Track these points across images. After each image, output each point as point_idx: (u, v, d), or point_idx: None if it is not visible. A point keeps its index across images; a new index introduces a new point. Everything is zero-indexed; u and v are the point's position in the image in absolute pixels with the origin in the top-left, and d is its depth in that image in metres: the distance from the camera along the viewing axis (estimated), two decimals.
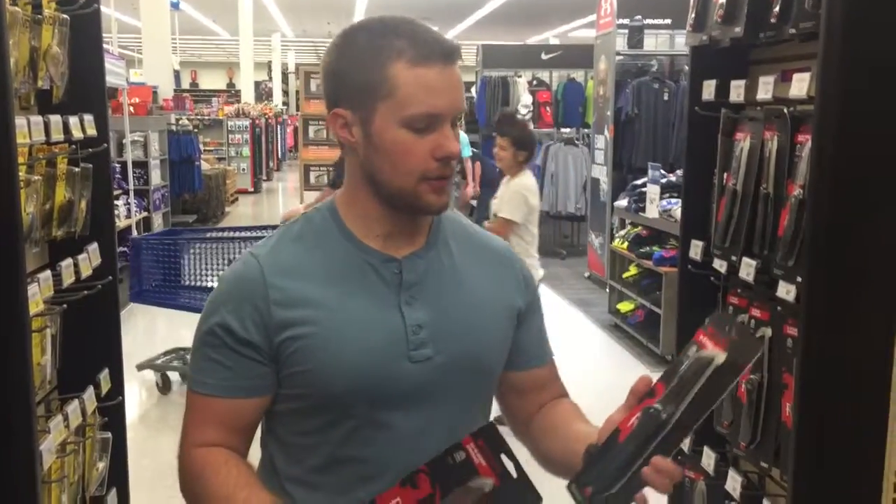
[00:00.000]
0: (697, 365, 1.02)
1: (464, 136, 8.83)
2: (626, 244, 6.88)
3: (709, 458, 1.96)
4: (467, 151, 8.79)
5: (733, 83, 1.86)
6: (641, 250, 6.55)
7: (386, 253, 1.16)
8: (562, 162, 9.90)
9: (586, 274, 8.88)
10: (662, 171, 6.69)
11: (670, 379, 1.04)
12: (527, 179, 4.56)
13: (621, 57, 8.27)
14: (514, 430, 1.33)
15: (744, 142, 1.84)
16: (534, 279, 1.28)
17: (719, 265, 1.88)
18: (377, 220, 1.16)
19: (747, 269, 1.76)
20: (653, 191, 6.54)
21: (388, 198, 1.14)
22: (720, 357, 1.01)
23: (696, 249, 1.99)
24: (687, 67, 7.76)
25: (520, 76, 10.96)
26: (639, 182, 7.00)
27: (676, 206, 6.16)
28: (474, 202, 9.52)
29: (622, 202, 7.33)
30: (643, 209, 6.71)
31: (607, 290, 7.47)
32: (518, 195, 4.46)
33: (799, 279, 1.59)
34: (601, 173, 8.46)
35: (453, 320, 1.17)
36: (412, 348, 1.13)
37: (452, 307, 1.17)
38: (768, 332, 1.78)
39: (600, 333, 6.88)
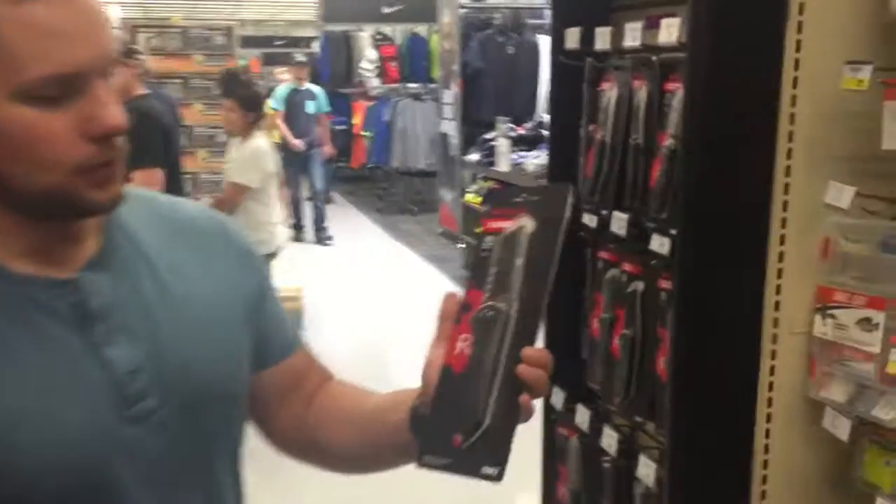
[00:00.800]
0: (506, 244, 0.87)
1: (318, 89, 8.64)
2: (479, 198, 6.89)
3: (583, 416, 1.93)
4: (326, 106, 8.67)
5: (598, 30, 1.80)
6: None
7: (46, 276, 0.81)
8: (409, 118, 9.80)
9: (439, 230, 8.87)
10: (511, 125, 6.72)
11: (481, 279, 0.88)
12: (260, 141, 4.36)
13: (465, 10, 8.20)
14: (286, 450, 1.08)
15: (611, 91, 1.79)
16: (257, 252, 1.04)
17: (589, 220, 1.83)
18: (16, 234, 0.81)
19: (619, 222, 1.72)
20: (502, 144, 6.56)
21: (27, 207, 0.80)
22: (527, 223, 0.87)
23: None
24: (530, 21, 7.82)
25: (363, 31, 10.71)
26: (488, 136, 7.00)
27: (528, 159, 6.20)
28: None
29: (473, 156, 7.32)
30: (492, 163, 6.72)
31: (461, 245, 7.48)
32: (251, 159, 4.26)
33: (673, 231, 1.55)
34: (450, 128, 8.41)
35: (176, 345, 0.86)
36: (129, 405, 0.82)
37: (169, 326, 0.86)
38: (640, 286, 1.75)
39: (456, 290, 6.88)
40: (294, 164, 8.16)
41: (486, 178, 7.07)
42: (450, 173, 8.33)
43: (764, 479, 1.61)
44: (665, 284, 1.66)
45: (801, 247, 1.55)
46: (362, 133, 10.81)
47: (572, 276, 1.99)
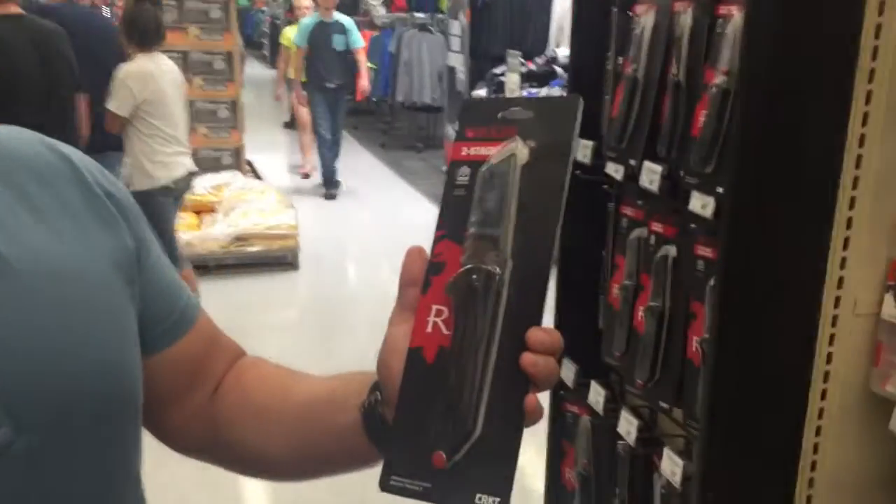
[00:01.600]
0: (491, 180, 0.63)
1: (348, 21, 7.42)
2: None
3: (597, 395, 1.69)
4: (359, 41, 7.54)
5: None
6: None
7: None
8: (416, 50, 9.38)
9: (443, 167, 8.56)
10: (521, 60, 6.35)
11: (457, 229, 0.64)
12: (137, 64, 3.95)
13: None
14: (191, 453, 0.86)
15: (646, 16, 1.49)
16: (125, 195, 0.74)
17: (614, 170, 1.55)
18: None
19: (650, 175, 1.44)
20: (512, 80, 6.21)
21: None
22: (519, 149, 0.63)
23: (584, 151, 1.65)
24: None
25: None
26: (497, 71, 6.64)
27: (539, 96, 5.87)
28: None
29: (480, 92, 6.98)
30: None
31: None
32: (121, 84, 3.88)
33: (719, 189, 1.28)
34: (457, 62, 8.03)
35: (29, 345, 0.60)
36: None
37: (16, 319, 0.60)
38: (672, 251, 1.48)
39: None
40: (324, 104, 7.38)
41: None
42: (456, 109, 7.97)
43: (810, 483, 1.37)
44: (703, 251, 1.39)
45: (875, 213, 1.28)
46: (367, 65, 10.39)
47: (589, 233, 1.73)
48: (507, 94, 6.23)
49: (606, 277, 1.69)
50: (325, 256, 6.14)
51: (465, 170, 0.65)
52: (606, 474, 1.73)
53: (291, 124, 9.66)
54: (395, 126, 10.76)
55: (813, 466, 1.36)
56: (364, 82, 7.69)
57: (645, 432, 1.57)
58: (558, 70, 6.25)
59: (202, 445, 0.84)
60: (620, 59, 1.58)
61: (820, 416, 1.35)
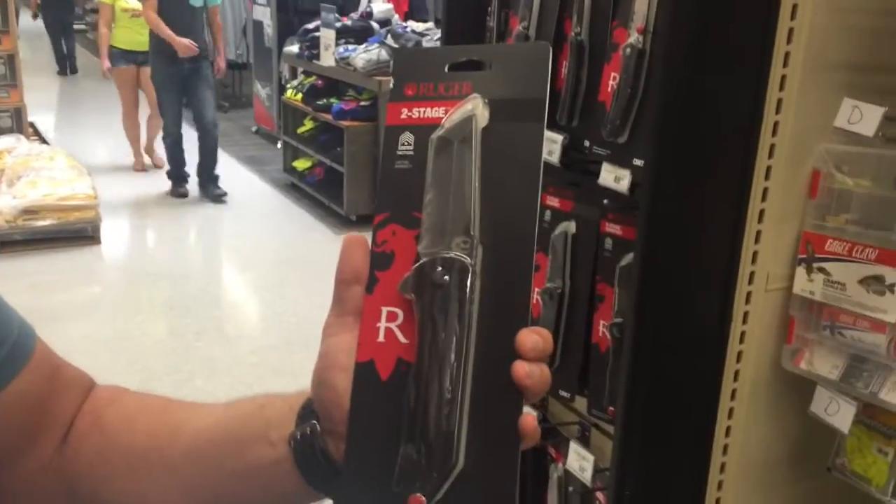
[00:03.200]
0: (447, 152, 0.52)
1: None
2: (300, 96, 6.27)
3: None
4: None
5: None
6: (318, 102, 5.98)
7: None
8: None
9: (254, 128, 8.15)
10: (336, 15, 6.08)
11: (405, 210, 0.53)
12: None
13: None
14: None
15: None
16: None
17: None
18: None
19: (549, 145, 1.30)
20: (327, 36, 5.93)
21: None
22: (479, 110, 0.52)
23: None
24: None
25: None
26: (311, 26, 6.33)
27: (355, 54, 5.63)
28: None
29: (292, 48, 6.64)
30: (317, 56, 6.10)
31: (279, 146, 6.86)
32: None
33: (637, 161, 1.16)
34: (264, 15, 7.60)
35: None
36: None
37: None
38: (572, 227, 1.35)
39: (276, 194, 6.32)
40: (173, 80, 5.72)
41: (308, 74, 6.43)
42: (265, 66, 7.58)
43: (722, 468, 1.31)
44: (612, 228, 1.28)
45: (788, 183, 1.21)
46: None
47: None
48: (323, 51, 5.95)
49: None
50: (128, 228, 5.64)
51: (408, 136, 0.53)
52: None
53: None
54: None
55: (725, 450, 1.30)
56: (222, 60, 6.30)
57: (542, 422, 1.45)
58: (374, 25, 6.02)
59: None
60: (505, 14, 1.42)
61: (732, 397, 1.28)
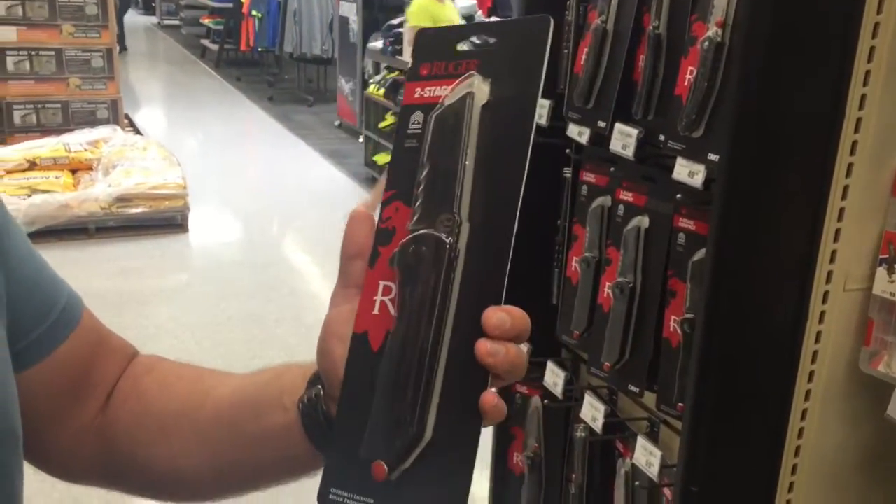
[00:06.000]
0: (445, 125, 0.53)
1: None
2: (381, 91, 6.34)
3: (555, 377, 1.56)
4: None
5: None
6: (399, 98, 6.04)
7: None
8: None
9: (336, 122, 8.28)
10: None
11: (406, 186, 0.53)
12: None
13: None
14: (80, 479, 0.70)
15: None
16: None
17: (578, 133, 1.41)
18: None
19: (624, 139, 1.30)
20: (411, 32, 5.99)
21: None
22: (477, 87, 0.53)
23: (540, 111, 1.49)
24: None
25: None
26: (395, 22, 6.40)
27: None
28: None
29: (376, 44, 6.72)
30: (400, 52, 6.16)
31: (361, 140, 6.96)
32: None
33: (712, 156, 1.15)
34: (350, 10, 7.71)
35: None
36: None
37: None
38: (645, 222, 1.35)
39: (357, 188, 6.41)
40: None
41: (390, 69, 6.51)
42: (349, 61, 7.68)
43: (794, 470, 1.29)
44: (686, 224, 1.27)
45: (871, 181, 1.18)
46: (251, 13, 9.89)
47: (543, 200, 1.58)
48: (406, 47, 6.01)
49: (563, 249, 1.55)
50: (215, 217, 5.81)
51: (419, 115, 0.54)
52: (559, 458, 1.62)
53: None
54: (282, 78, 10.33)
55: (797, 452, 1.28)
56: None
57: (610, 417, 1.45)
58: (463, 22, 6.05)
59: (96, 469, 0.68)
60: (584, 8, 1.42)
61: (806, 398, 1.26)
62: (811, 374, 1.24)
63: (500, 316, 0.48)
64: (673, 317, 1.31)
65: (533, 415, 1.67)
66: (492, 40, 0.54)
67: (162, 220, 5.25)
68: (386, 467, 0.49)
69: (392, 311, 0.52)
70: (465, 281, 0.50)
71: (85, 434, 0.67)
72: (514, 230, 0.51)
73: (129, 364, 0.70)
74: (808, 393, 1.25)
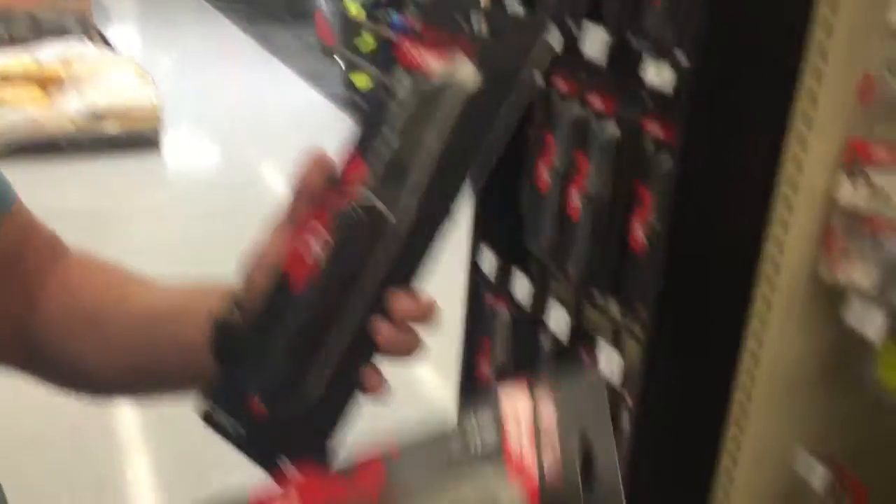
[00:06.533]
0: (426, 100, 0.53)
1: None
2: (360, 9, 6.19)
3: (521, 287, 1.57)
4: None
5: None
6: (377, 14, 5.91)
7: None
8: None
9: (315, 42, 8.10)
10: None
11: (371, 146, 0.53)
12: None
13: None
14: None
15: None
16: None
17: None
18: None
19: (595, 40, 1.28)
20: None
21: None
22: (465, 72, 0.52)
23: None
24: None
25: None
26: None
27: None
28: None
29: None
30: None
31: (339, 60, 6.82)
32: None
33: (681, 58, 1.13)
34: None
35: None
36: None
37: None
38: (616, 129, 1.34)
39: (335, 111, 6.32)
40: None
41: None
42: None
43: (752, 377, 1.31)
44: (653, 128, 1.26)
45: (838, 88, 1.17)
46: None
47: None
48: None
49: (531, 157, 1.54)
50: (191, 137, 5.73)
51: (405, 79, 0.53)
52: (527, 368, 1.64)
53: None
54: None
55: (755, 359, 1.30)
56: None
57: (576, 325, 1.47)
58: None
59: (16, 361, 0.68)
60: None
61: (768, 308, 1.27)
62: (772, 283, 1.26)
63: (404, 301, 0.50)
64: (639, 224, 1.31)
65: (501, 329, 1.69)
66: (492, 25, 0.53)
67: (135, 139, 5.17)
68: (266, 410, 0.51)
69: (321, 262, 0.52)
70: (395, 262, 0.51)
71: (7, 325, 0.66)
72: (449, 216, 0.51)
73: (61, 261, 0.69)
74: (768, 302, 1.27)
